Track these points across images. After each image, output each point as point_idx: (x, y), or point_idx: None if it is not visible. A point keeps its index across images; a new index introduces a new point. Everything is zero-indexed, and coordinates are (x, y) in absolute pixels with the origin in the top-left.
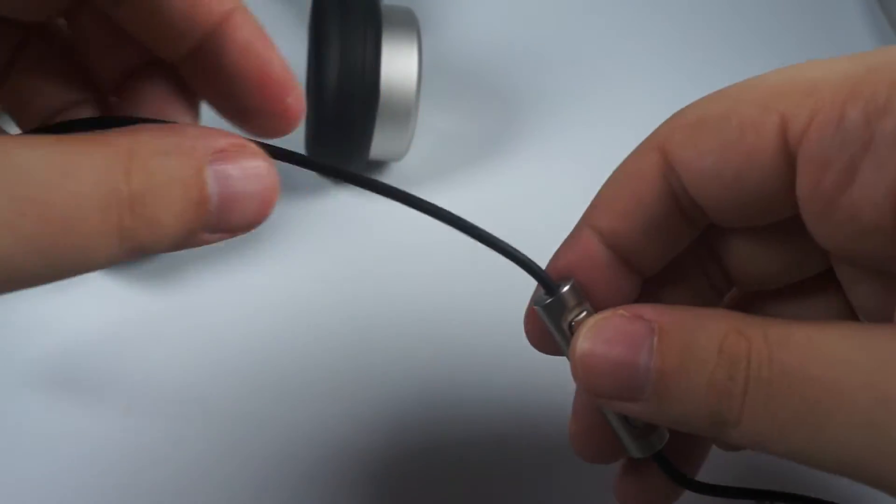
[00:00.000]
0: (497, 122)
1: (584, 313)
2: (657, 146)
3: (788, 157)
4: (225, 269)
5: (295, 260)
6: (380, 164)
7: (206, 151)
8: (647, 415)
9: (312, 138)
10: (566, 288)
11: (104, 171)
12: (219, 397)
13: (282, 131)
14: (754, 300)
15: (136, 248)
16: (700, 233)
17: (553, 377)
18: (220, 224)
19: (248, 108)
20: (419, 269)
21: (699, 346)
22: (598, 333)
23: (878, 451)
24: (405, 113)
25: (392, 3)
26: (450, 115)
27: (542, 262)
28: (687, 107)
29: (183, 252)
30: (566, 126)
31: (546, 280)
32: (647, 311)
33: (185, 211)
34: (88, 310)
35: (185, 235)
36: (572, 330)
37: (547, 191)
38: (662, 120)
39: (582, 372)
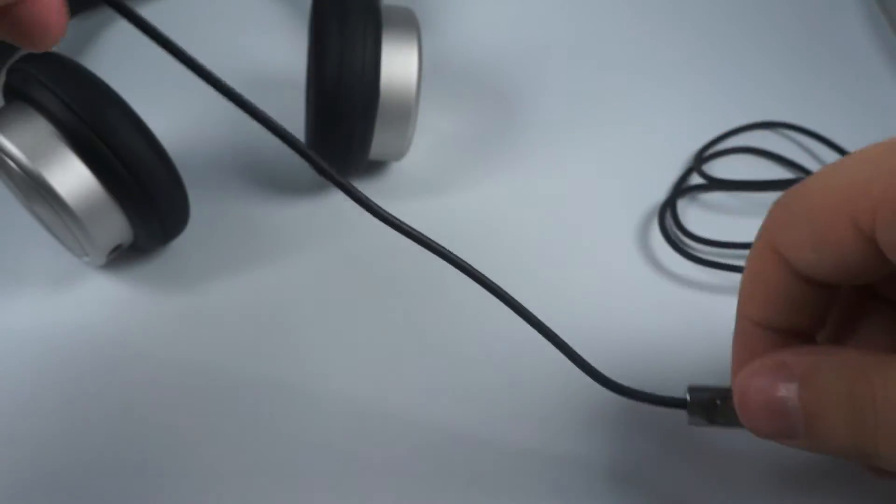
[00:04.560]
0: (497, 123)
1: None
2: (769, 246)
3: (871, 243)
4: (226, 269)
5: (298, 259)
6: (380, 164)
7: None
8: (808, 449)
9: (312, 138)
10: (689, 394)
11: None
12: (219, 397)
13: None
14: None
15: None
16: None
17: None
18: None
19: None
20: (423, 268)
21: (834, 392)
22: (749, 395)
23: None
24: (405, 113)
25: (392, 3)
26: (450, 115)
27: (542, 258)
28: (783, 201)
29: (182, 252)
30: (566, 126)
31: (666, 400)
32: (788, 356)
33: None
34: (88, 310)
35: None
36: (722, 409)
37: (547, 190)
38: (662, 121)
39: (746, 420)
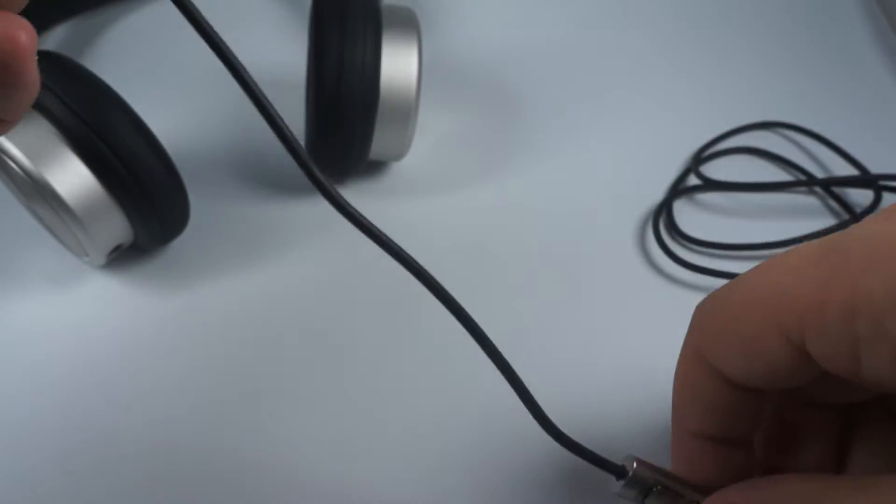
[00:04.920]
0: (497, 123)
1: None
2: (697, 355)
3: (800, 352)
4: (225, 269)
5: (296, 260)
6: (380, 164)
7: None
8: None
9: (313, 138)
10: (634, 465)
11: None
12: (219, 397)
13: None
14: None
15: None
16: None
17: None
18: None
19: None
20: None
21: None
22: None
23: None
24: (405, 113)
25: (392, 3)
26: (450, 116)
27: (540, 258)
28: (708, 308)
29: (182, 252)
30: (566, 126)
31: (605, 463)
32: (736, 496)
33: None
34: (88, 310)
35: None
36: (659, 495)
37: (546, 191)
38: (662, 121)
39: None
